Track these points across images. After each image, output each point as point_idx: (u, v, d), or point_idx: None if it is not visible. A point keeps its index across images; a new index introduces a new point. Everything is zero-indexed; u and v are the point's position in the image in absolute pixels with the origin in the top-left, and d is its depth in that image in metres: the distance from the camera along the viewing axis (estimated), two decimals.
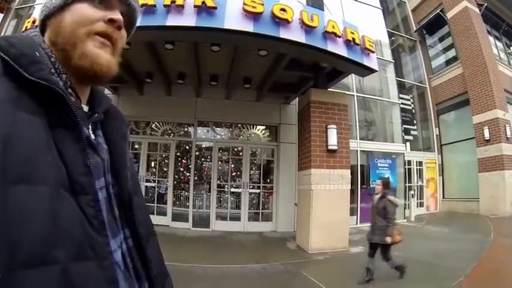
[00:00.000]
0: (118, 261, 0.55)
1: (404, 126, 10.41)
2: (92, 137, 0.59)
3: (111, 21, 0.58)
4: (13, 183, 0.40)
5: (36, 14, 5.93)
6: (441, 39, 12.44)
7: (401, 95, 10.57)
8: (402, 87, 11.05)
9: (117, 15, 0.59)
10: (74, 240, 0.45)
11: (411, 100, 11.31)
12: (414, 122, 11.17)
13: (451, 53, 11.85)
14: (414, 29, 12.54)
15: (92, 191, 0.51)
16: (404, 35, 12.35)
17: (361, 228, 8.06)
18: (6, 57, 0.47)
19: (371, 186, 8.82)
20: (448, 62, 11.90)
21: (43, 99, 0.48)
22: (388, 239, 4.19)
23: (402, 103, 10.46)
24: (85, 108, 0.62)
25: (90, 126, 0.61)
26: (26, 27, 5.90)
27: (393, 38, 11.66)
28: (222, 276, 4.59)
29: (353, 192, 8.25)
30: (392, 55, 10.76)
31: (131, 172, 0.65)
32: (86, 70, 0.56)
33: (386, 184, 4.59)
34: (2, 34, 10.23)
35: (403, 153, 9.79)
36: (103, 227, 0.51)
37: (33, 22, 5.72)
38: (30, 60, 0.49)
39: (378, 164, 9.05)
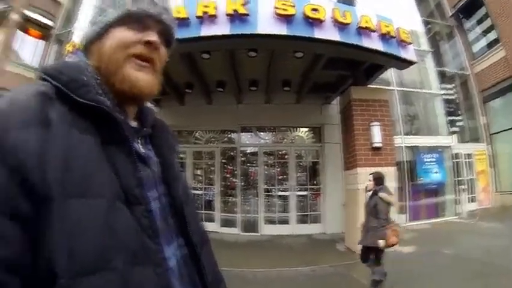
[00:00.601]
0: (172, 267, 0.57)
1: (449, 117, 9.84)
2: (142, 150, 0.62)
3: (148, 43, 0.61)
4: (72, 198, 0.44)
5: (78, 39, 6.37)
6: (479, 22, 11.63)
7: (442, 85, 10.03)
8: (443, 77, 10.47)
9: (153, 37, 0.61)
10: (129, 248, 0.48)
11: (454, 89, 10.67)
12: (459, 112, 10.51)
13: (492, 36, 11.01)
14: (450, 14, 11.85)
15: (145, 201, 0.54)
16: (440, 22, 11.72)
17: (411, 226, 7.74)
18: (58, 84, 0.52)
19: (419, 182, 8.45)
20: (490, 45, 11.06)
21: (94, 119, 0.52)
22: (381, 242, 3.62)
23: (444, 93, 9.92)
24: (133, 123, 0.65)
25: (139, 141, 0.64)
26: (68, 50, 6.33)
27: (429, 26, 11.12)
28: (271, 280, 4.62)
29: (401, 189, 7.96)
30: (430, 44, 10.28)
31: (181, 182, 0.67)
32: (127, 93, 0.60)
33: (378, 179, 4.13)
34: (46, 59, 11.17)
35: (450, 146, 9.26)
36: (156, 235, 0.54)
37: (74, 46, 6.14)
38: (78, 85, 0.53)
39: (425, 159, 8.64)
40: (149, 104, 0.75)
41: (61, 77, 0.53)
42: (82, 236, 0.43)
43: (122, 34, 0.60)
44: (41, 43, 11.64)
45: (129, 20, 0.61)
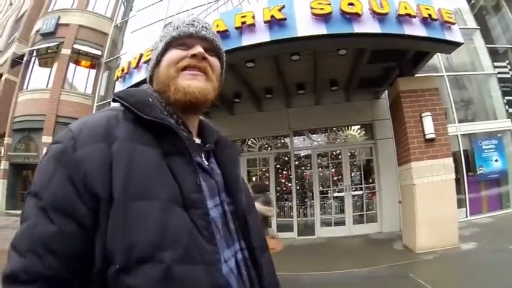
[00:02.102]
0: (231, 268, 0.63)
1: (506, 98, 9.05)
2: (206, 163, 0.71)
3: (194, 55, 0.71)
4: (132, 199, 0.53)
5: (123, 64, 6.80)
6: None
7: (495, 64, 9.24)
8: (495, 54, 9.63)
9: (197, 50, 0.72)
10: (181, 245, 0.54)
11: (509, 66, 9.80)
12: None
13: None
14: None
15: (202, 205, 0.61)
16: None
17: (471, 221, 7.24)
18: (127, 104, 0.63)
19: (479, 172, 7.87)
20: None
21: (158, 134, 0.61)
22: None
23: (499, 72, 9.13)
24: (197, 140, 0.75)
25: (203, 155, 0.72)
26: (117, 76, 6.78)
27: (473, 1, 10.30)
28: (327, 283, 4.58)
29: (458, 181, 7.44)
30: (476, 21, 9.48)
31: (244, 193, 0.74)
32: (182, 101, 0.69)
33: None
34: (98, 84, 12.10)
35: (510, 130, 8.51)
36: (212, 237, 0.60)
37: (122, 71, 6.56)
38: (145, 105, 0.64)
39: (483, 147, 8.00)
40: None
41: (130, 99, 0.64)
42: (136, 231, 0.52)
43: (171, 54, 0.73)
44: (92, 72, 12.66)
45: (175, 44, 0.74)
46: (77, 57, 12.38)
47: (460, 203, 7.30)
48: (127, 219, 0.52)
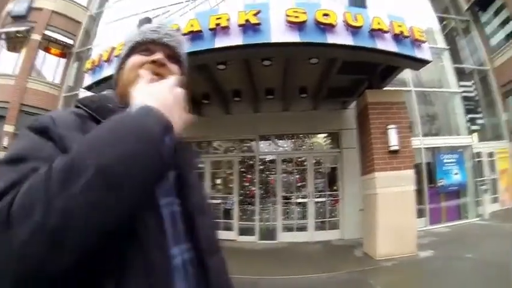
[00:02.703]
0: (177, 265, 0.63)
1: (469, 115, 9.57)
2: None
3: (153, 62, 0.74)
4: None
5: (94, 56, 6.61)
6: (496, 14, 11.24)
7: (461, 83, 9.77)
8: (462, 74, 10.18)
9: (157, 56, 0.75)
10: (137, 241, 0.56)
11: (474, 86, 10.37)
12: (480, 109, 10.21)
13: (510, 27, 10.66)
14: (465, 8, 11.53)
15: (155, 204, 0.63)
16: (456, 17, 11.42)
17: (431, 230, 7.59)
18: (89, 110, 0.67)
19: (439, 184, 8.26)
20: (508, 37, 10.70)
21: None
22: None
23: (463, 91, 9.66)
24: None
25: None
26: (87, 68, 6.56)
27: (444, 23, 10.86)
28: (288, 287, 4.64)
29: (420, 192, 7.79)
30: (446, 41, 10.02)
31: (198, 195, 0.75)
32: None
33: None
34: (67, 75, 11.59)
35: (470, 146, 9.01)
36: (163, 230, 0.62)
37: (93, 63, 6.35)
38: (106, 110, 0.66)
39: (445, 160, 8.43)
40: None
41: (92, 105, 0.68)
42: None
43: (134, 59, 0.76)
44: (62, 61, 12.11)
45: (139, 49, 0.77)
46: (47, 44, 11.73)
47: (421, 213, 7.64)
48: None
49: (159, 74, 0.73)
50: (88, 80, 6.50)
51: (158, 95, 0.61)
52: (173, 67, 0.78)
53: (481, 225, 7.94)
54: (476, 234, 6.95)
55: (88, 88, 6.40)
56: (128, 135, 0.50)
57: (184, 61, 0.84)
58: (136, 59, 0.76)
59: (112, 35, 7.58)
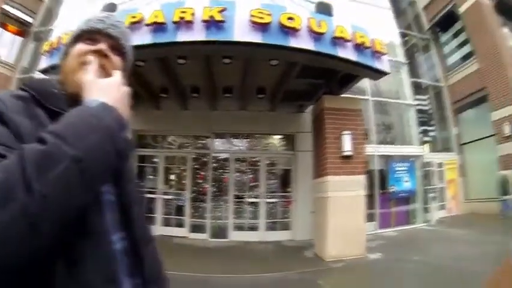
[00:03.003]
0: (115, 250, 0.65)
1: (422, 127, 10.19)
2: None
3: (96, 51, 0.75)
4: None
5: (54, 38, 6.24)
6: (455, 36, 12.13)
7: (417, 96, 10.38)
8: (418, 88, 10.83)
9: (99, 47, 0.76)
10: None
11: (428, 100, 11.07)
12: (432, 122, 10.93)
13: (466, 49, 11.52)
14: (427, 27, 12.29)
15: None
16: (417, 34, 12.14)
17: (380, 234, 7.92)
18: (36, 94, 0.67)
19: (390, 190, 8.68)
20: (464, 58, 11.56)
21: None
22: None
23: (418, 104, 10.26)
24: None
25: None
26: (45, 49, 6.17)
27: (406, 38, 11.48)
28: (237, 286, 4.67)
29: (371, 197, 8.13)
30: (406, 56, 10.55)
31: (132, 186, 0.77)
32: (77, 95, 0.68)
33: None
34: (23, 56, 10.80)
35: (421, 156, 9.56)
36: (104, 215, 0.65)
37: (51, 45, 5.99)
38: (50, 95, 0.69)
39: (396, 168, 8.88)
40: None
41: (39, 89, 0.69)
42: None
43: (78, 47, 0.76)
44: (19, 39, 11.27)
45: (84, 37, 0.77)
46: (3, 19, 10.86)
47: (371, 217, 7.98)
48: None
49: (101, 65, 0.73)
50: (44, 62, 6.10)
51: (109, 91, 0.66)
52: (116, 59, 0.79)
53: (428, 230, 8.42)
54: (423, 239, 7.36)
55: (44, 71, 6.01)
56: (95, 130, 0.55)
57: (127, 54, 0.84)
58: (80, 47, 0.76)
59: (75, 18, 7.19)
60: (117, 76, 0.71)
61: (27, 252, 0.46)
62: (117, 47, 0.80)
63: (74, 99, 0.69)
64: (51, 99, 0.67)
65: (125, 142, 0.62)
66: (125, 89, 0.71)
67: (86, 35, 0.77)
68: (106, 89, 0.66)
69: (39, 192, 0.45)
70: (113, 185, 0.71)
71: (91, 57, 0.73)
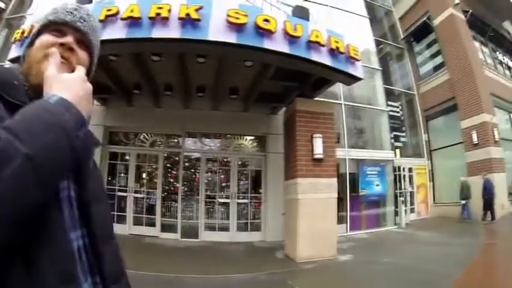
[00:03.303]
0: (73, 248, 0.64)
1: (393, 133, 10.53)
2: None
3: (61, 44, 0.73)
4: None
5: (26, 26, 5.98)
6: (428, 46, 12.69)
7: (389, 103, 10.72)
8: (390, 95, 11.19)
9: (66, 39, 0.74)
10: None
11: (400, 107, 11.47)
12: (403, 128, 11.33)
13: (438, 60, 12.09)
14: (402, 36, 12.77)
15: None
16: (392, 43, 12.58)
17: (351, 236, 8.12)
18: None
19: (361, 193, 8.89)
20: (436, 69, 12.13)
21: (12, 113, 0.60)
22: None
23: (390, 110, 10.59)
24: None
25: None
26: (15, 38, 5.91)
27: (381, 46, 11.86)
28: (207, 286, 4.62)
29: (342, 200, 8.30)
30: (380, 63, 10.90)
31: (94, 183, 0.75)
32: (41, 86, 0.66)
33: None
34: None
35: (392, 160, 9.87)
36: (62, 212, 0.63)
37: (22, 33, 5.74)
38: (10, 87, 0.64)
39: (367, 172, 9.11)
40: (95, 102, 0.81)
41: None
42: None
43: (43, 38, 0.74)
44: None
45: (51, 28, 0.75)
46: None
47: (342, 219, 8.16)
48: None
49: (66, 58, 0.72)
50: (15, 52, 5.83)
51: (72, 86, 0.64)
52: (82, 54, 0.76)
53: (398, 232, 8.70)
54: (393, 241, 7.58)
55: (13, 61, 5.73)
56: (50, 127, 0.53)
57: (94, 49, 0.81)
58: (46, 38, 0.73)
59: (49, 6, 6.91)
60: (81, 72, 0.69)
61: None
62: (84, 42, 0.77)
63: (37, 90, 0.67)
64: (11, 90, 0.64)
65: (83, 140, 0.60)
66: (89, 86, 0.68)
67: (53, 26, 0.75)
68: (67, 84, 0.64)
69: None
70: (74, 181, 0.69)
71: (55, 50, 0.70)
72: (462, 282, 4.35)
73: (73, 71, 0.70)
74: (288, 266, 5.57)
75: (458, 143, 10.77)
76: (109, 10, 4.77)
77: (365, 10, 10.80)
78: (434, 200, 11.52)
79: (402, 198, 9.87)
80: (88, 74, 0.75)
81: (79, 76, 0.67)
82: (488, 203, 9.06)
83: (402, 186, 10.56)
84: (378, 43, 11.29)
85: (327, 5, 9.73)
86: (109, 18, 4.72)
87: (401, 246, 6.96)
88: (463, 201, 9.59)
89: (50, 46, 0.71)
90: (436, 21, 11.80)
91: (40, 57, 0.71)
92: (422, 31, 12.34)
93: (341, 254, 6.13)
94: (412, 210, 10.80)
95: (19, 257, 0.53)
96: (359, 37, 8.47)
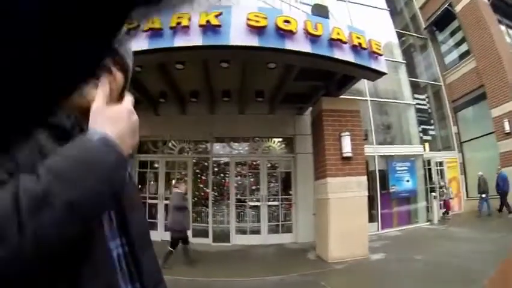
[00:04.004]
0: (113, 257, 0.66)
1: (422, 126, 10.20)
2: None
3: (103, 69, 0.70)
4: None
5: None
6: (452, 34, 12.19)
7: (416, 95, 10.40)
8: (416, 87, 10.85)
9: (107, 64, 0.71)
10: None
11: (427, 99, 11.09)
12: (432, 121, 10.94)
13: (463, 47, 11.59)
14: (424, 26, 12.34)
15: None
16: (414, 34, 12.19)
17: (382, 234, 7.93)
18: None
19: (391, 190, 8.66)
20: (461, 57, 11.62)
21: (60, 136, 0.61)
22: None
23: (417, 103, 10.27)
24: None
25: None
26: None
27: (403, 38, 11.52)
28: None
29: (372, 198, 8.13)
30: (404, 55, 10.61)
31: (129, 193, 0.75)
32: (82, 107, 0.66)
33: None
34: None
35: (422, 155, 9.56)
36: (102, 226, 0.64)
37: None
38: None
39: (397, 168, 8.87)
40: None
41: None
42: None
43: None
44: None
45: None
46: None
47: (373, 218, 7.98)
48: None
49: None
50: None
51: (117, 121, 0.61)
52: (120, 77, 0.74)
53: (430, 229, 8.42)
54: (426, 238, 7.34)
55: None
56: (92, 172, 0.53)
57: (129, 72, 0.79)
58: None
59: None
60: (129, 103, 0.66)
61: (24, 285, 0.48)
62: (120, 64, 0.74)
63: (80, 114, 0.67)
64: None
65: (123, 181, 0.60)
66: (135, 119, 0.65)
67: None
68: (114, 119, 0.61)
69: (32, 232, 0.45)
70: None
71: (105, 80, 0.66)
72: (496, 280, 4.14)
73: (113, 98, 0.68)
74: (320, 267, 5.52)
75: (490, 133, 10.26)
76: (129, 23, 4.90)
77: (384, 2, 10.56)
78: (467, 194, 11.03)
79: (433, 194, 9.52)
80: (121, 94, 0.73)
81: (126, 108, 0.64)
82: (502, 197, 8.88)
83: (433, 181, 10.17)
84: (400, 35, 10.98)
85: (345, 0, 9.57)
86: (131, 32, 4.85)
87: (434, 243, 6.75)
88: (483, 195, 9.22)
89: None
90: (458, 8, 11.32)
91: None
92: (444, 19, 11.87)
93: (373, 253, 6.03)
94: (445, 206, 10.39)
95: (62, 274, 0.54)
96: (380, 31, 8.29)
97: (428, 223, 9.03)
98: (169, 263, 5.23)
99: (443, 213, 9.71)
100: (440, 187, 9.93)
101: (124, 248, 0.70)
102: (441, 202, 9.78)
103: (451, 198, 9.74)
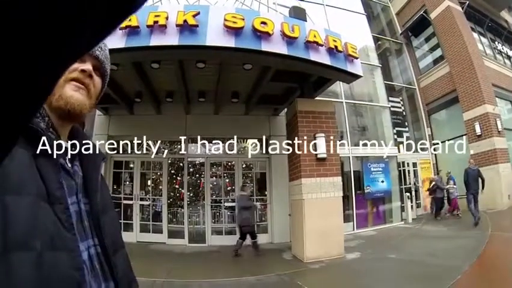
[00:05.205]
0: (84, 260, 0.67)
1: (396, 128, 10.48)
2: (69, 165, 0.75)
3: (83, 71, 0.75)
4: (8, 194, 0.56)
5: None
6: (427, 40, 12.63)
7: (390, 98, 10.67)
8: (391, 90, 11.16)
9: (87, 66, 0.76)
10: (48, 235, 0.59)
11: (402, 102, 11.43)
12: (406, 123, 11.27)
13: (438, 53, 12.04)
14: (400, 32, 12.73)
15: (64, 201, 0.66)
16: (390, 39, 12.53)
17: (358, 234, 8.08)
18: None
19: (366, 191, 8.86)
20: (435, 62, 12.06)
21: (29, 136, 0.64)
22: None
23: (392, 106, 10.54)
24: (66, 144, 0.77)
25: (67, 157, 0.76)
26: None
27: (379, 43, 11.83)
28: None
29: (347, 198, 8.31)
30: (380, 59, 10.88)
31: (101, 195, 0.78)
32: (62, 109, 0.72)
33: None
34: None
35: (396, 156, 9.82)
36: (72, 228, 0.65)
37: None
38: None
39: (372, 169, 9.07)
40: (97, 112, 0.82)
41: None
42: (11, 223, 0.55)
43: None
44: None
45: None
46: None
47: (348, 218, 8.13)
48: (2, 210, 0.55)
49: (85, 84, 0.75)
50: None
51: None
52: (98, 80, 0.80)
53: (404, 228, 8.62)
54: (400, 237, 7.53)
55: None
56: None
57: (107, 77, 0.85)
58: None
59: None
60: None
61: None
62: (100, 69, 0.81)
63: (57, 112, 0.72)
64: None
65: None
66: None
67: None
68: None
69: None
70: (84, 195, 0.74)
71: (77, 75, 0.73)
72: (471, 274, 4.35)
73: (90, 96, 0.76)
74: (296, 267, 5.56)
75: (462, 135, 10.69)
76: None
77: (361, 7, 10.79)
78: None
79: (407, 194, 9.81)
80: (97, 98, 0.81)
81: None
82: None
83: (407, 182, 10.50)
84: (376, 39, 11.28)
85: (323, 4, 9.74)
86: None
87: (409, 242, 6.93)
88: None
89: (72, 71, 0.74)
90: (433, 15, 11.75)
91: (62, 81, 0.72)
92: (419, 25, 12.29)
93: (349, 252, 6.13)
94: (418, 205, 10.74)
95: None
96: (357, 34, 8.46)
97: (403, 222, 9.28)
98: (238, 250, 6.43)
99: (451, 212, 9.55)
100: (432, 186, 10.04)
101: (96, 248, 0.72)
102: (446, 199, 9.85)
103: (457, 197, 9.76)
